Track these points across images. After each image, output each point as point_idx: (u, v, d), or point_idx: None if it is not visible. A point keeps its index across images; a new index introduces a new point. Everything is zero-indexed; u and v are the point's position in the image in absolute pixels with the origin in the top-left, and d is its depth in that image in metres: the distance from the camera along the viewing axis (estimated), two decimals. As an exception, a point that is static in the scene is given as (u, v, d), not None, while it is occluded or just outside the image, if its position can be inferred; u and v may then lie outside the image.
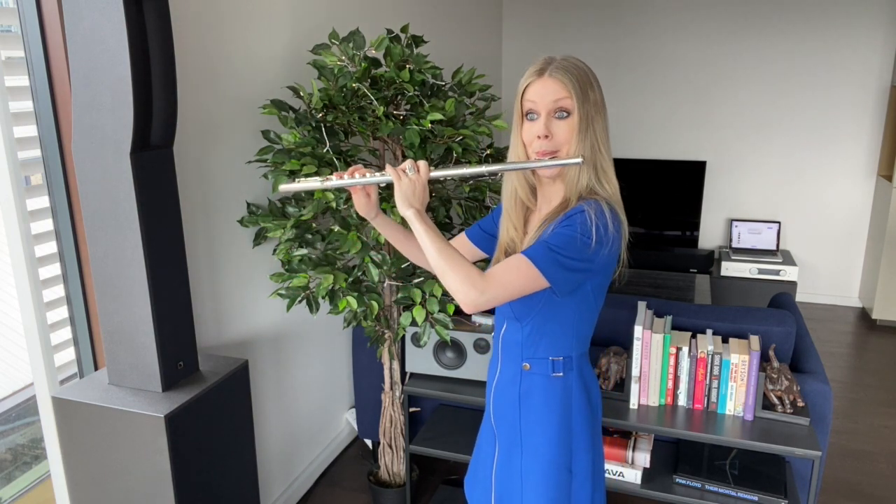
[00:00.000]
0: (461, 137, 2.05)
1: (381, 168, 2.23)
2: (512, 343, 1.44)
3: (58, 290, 1.77)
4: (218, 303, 2.11)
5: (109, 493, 1.62)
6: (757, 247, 4.67)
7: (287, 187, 1.36)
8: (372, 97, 2.01)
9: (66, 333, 1.79)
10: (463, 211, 2.25)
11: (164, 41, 1.47)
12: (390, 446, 2.49)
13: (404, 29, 2.17)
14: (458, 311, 2.35)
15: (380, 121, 2.00)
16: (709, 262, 4.51)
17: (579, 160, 1.26)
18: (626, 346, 2.26)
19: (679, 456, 2.20)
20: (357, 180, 1.32)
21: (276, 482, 2.50)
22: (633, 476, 2.12)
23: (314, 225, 2.09)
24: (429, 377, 2.36)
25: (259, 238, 2.16)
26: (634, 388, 2.12)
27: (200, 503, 1.65)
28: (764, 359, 2.09)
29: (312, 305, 2.05)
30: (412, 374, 2.39)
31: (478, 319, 2.33)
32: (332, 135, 2.04)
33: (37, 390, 1.75)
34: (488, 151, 2.19)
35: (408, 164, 1.29)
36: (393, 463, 2.50)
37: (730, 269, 4.46)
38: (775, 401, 2.04)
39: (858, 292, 4.69)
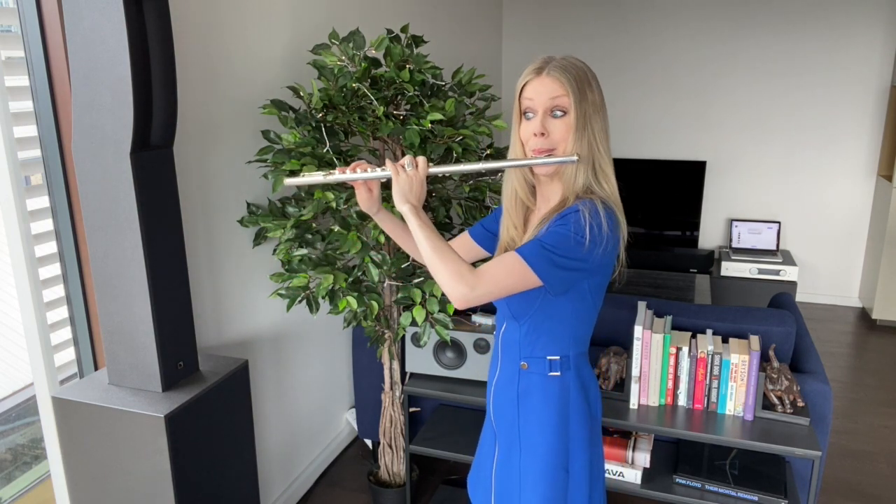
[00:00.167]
0: (461, 137, 2.05)
1: (382, 165, 2.24)
2: (510, 342, 1.44)
3: (58, 290, 1.77)
4: (218, 303, 2.11)
5: (109, 493, 1.62)
6: (757, 247, 4.67)
7: (292, 181, 1.39)
8: (372, 97, 2.01)
9: (66, 333, 1.79)
10: (463, 211, 2.25)
11: (164, 41, 1.47)
12: (390, 446, 2.49)
13: (404, 29, 2.17)
14: (459, 311, 2.35)
15: (380, 121, 2.00)
16: (709, 262, 4.51)
17: (574, 158, 1.27)
18: (626, 346, 2.26)
19: (679, 456, 2.20)
20: (358, 175, 1.34)
21: (276, 482, 2.50)
22: (633, 476, 2.12)
23: (314, 225, 2.10)
24: (429, 377, 2.36)
25: (259, 238, 2.16)
26: (634, 388, 2.12)
27: (200, 503, 1.65)
28: (764, 359, 2.09)
29: (312, 305, 2.05)
30: (412, 374, 2.39)
31: (478, 319, 2.33)
32: (332, 135, 2.04)
33: (37, 390, 1.75)
34: (488, 151, 2.19)
35: (407, 159, 1.30)
36: (393, 463, 2.50)
37: (730, 269, 4.46)
38: (775, 401, 2.04)
39: (858, 292, 4.70)
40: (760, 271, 4.41)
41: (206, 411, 1.65)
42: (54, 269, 1.75)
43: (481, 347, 2.26)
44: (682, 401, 2.13)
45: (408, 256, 2.07)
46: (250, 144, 2.17)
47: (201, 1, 1.93)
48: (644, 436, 2.21)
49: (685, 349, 2.08)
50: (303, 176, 1.37)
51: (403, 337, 2.44)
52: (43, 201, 1.70)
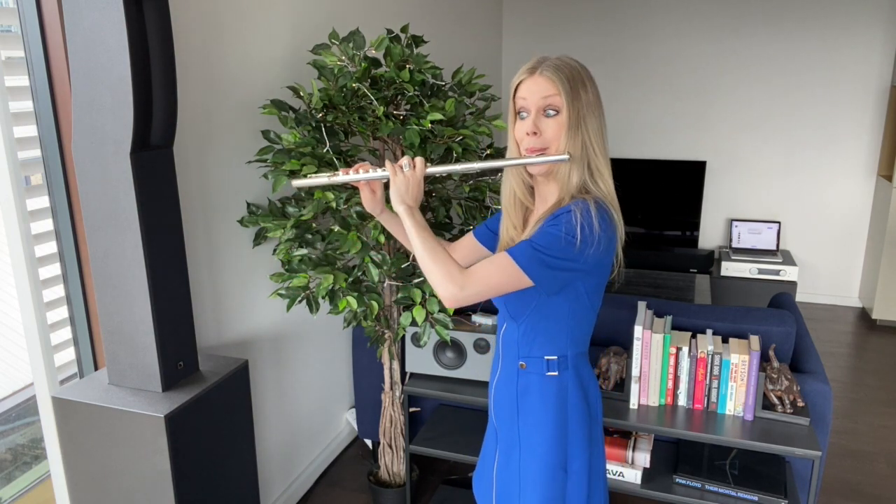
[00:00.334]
0: (461, 137, 2.05)
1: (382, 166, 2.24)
2: (510, 342, 1.45)
3: (58, 290, 1.77)
4: (218, 303, 2.11)
5: (109, 493, 1.62)
6: (757, 247, 4.67)
7: (298, 183, 1.42)
8: (372, 97, 2.01)
9: (66, 333, 1.79)
10: (463, 211, 2.25)
11: (164, 41, 1.47)
12: (390, 446, 2.49)
13: (404, 29, 2.17)
14: (459, 311, 2.35)
15: (380, 121, 2.00)
16: (709, 262, 4.51)
17: (565, 157, 1.27)
18: (626, 346, 2.26)
19: (679, 456, 2.20)
20: (360, 176, 1.37)
21: (276, 482, 2.50)
22: (633, 476, 2.12)
23: (314, 225, 2.10)
24: (429, 377, 2.36)
25: (259, 238, 2.16)
26: (634, 388, 2.12)
27: (200, 503, 1.65)
28: (764, 359, 2.09)
29: (312, 305, 2.05)
30: (412, 374, 2.39)
31: (478, 319, 2.33)
32: (332, 135, 2.04)
33: (37, 390, 1.75)
34: (488, 151, 2.19)
35: (405, 160, 1.32)
36: (393, 463, 2.50)
37: (730, 269, 4.46)
38: (775, 401, 2.04)
39: (858, 292, 4.70)
40: (760, 271, 4.41)
41: (206, 411, 1.65)
42: (54, 269, 1.75)
43: (481, 347, 2.26)
44: (682, 401, 2.13)
45: (408, 256, 2.07)
46: (250, 144, 2.17)
47: (201, 1, 1.93)
48: (644, 436, 2.21)
49: (685, 349, 2.08)
50: (309, 177, 1.41)
51: (403, 337, 2.44)
52: (43, 201, 1.70)
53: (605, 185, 1.33)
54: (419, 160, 1.32)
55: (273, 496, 2.49)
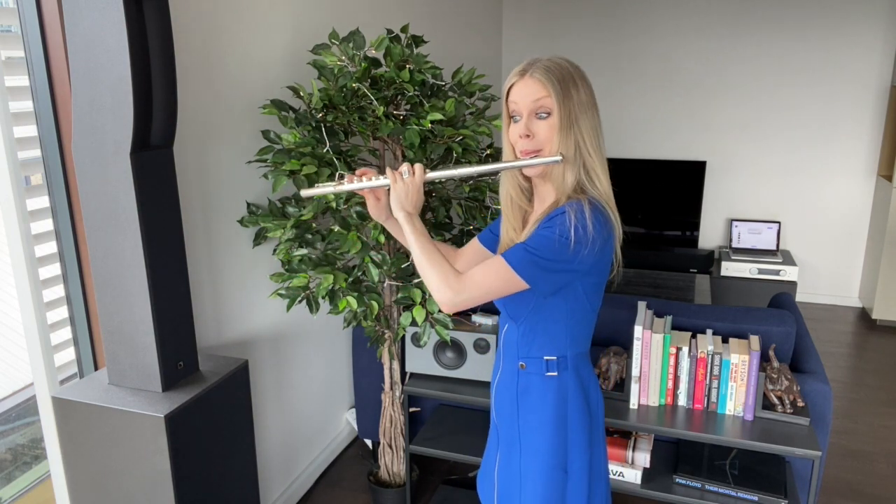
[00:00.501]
0: (461, 137, 2.05)
1: (383, 170, 2.24)
2: (510, 342, 1.45)
3: (58, 290, 1.77)
4: (218, 303, 2.11)
5: (109, 493, 1.62)
6: (757, 247, 4.67)
7: (307, 192, 1.46)
8: (372, 97, 2.01)
9: (66, 333, 1.79)
10: (463, 211, 2.25)
11: (164, 41, 1.47)
12: (390, 446, 2.49)
13: (404, 29, 2.17)
14: (459, 312, 2.35)
15: (380, 121, 2.00)
16: (709, 262, 4.51)
17: (558, 158, 1.27)
18: (626, 346, 2.26)
19: (679, 456, 2.20)
20: (363, 184, 1.39)
21: (276, 482, 2.50)
22: (633, 476, 2.12)
23: (314, 225, 2.10)
24: (429, 377, 2.36)
25: (259, 238, 2.16)
26: (634, 388, 2.12)
27: (200, 503, 1.65)
28: (764, 359, 2.09)
29: (312, 305, 2.05)
30: (412, 374, 2.39)
31: (478, 319, 2.34)
32: (332, 135, 2.04)
33: (37, 390, 1.75)
34: (488, 151, 2.19)
35: (404, 167, 1.34)
36: (393, 463, 2.50)
37: (730, 269, 4.46)
38: (775, 401, 2.04)
39: (858, 292, 4.70)
40: (760, 271, 4.41)
41: (206, 411, 1.65)
42: (54, 269, 1.75)
43: (481, 347, 2.26)
44: (682, 401, 2.13)
45: (408, 256, 2.07)
46: (250, 144, 2.17)
47: (201, 1, 1.93)
48: (644, 436, 2.21)
49: (685, 349, 2.08)
50: (317, 187, 1.45)
51: (403, 337, 2.44)
52: (43, 201, 1.70)
53: (601, 185, 1.32)
54: (418, 167, 1.34)
55: (273, 496, 2.49)
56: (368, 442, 2.95)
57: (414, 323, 2.13)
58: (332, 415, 2.89)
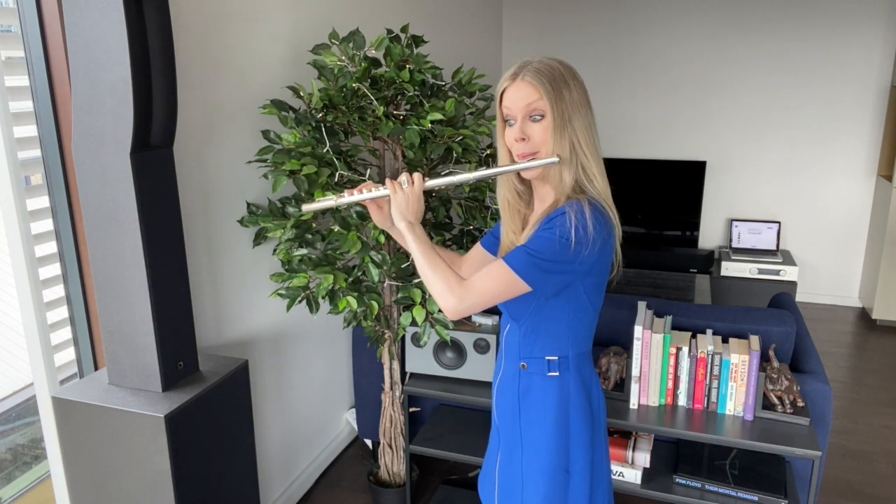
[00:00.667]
0: (461, 137, 2.05)
1: (383, 169, 2.24)
2: (511, 343, 1.45)
3: (58, 290, 1.77)
4: (218, 303, 2.11)
5: (109, 493, 1.62)
6: (757, 247, 4.67)
7: (308, 207, 1.48)
8: (372, 97, 2.01)
9: (66, 333, 1.79)
10: (463, 211, 2.25)
11: (164, 41, 1.47)
12: (390, 446, 2.49)
13: (404, 29, 2.17)
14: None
15: (380, 121, 2.00)
16: (709, 262, 4.51)
17: (555, 160, 1.27)
18: (626, 346, 2.26)
19: (679, 456, 2.20)
20: (364, 196, 1.40)
21: (276, 482, 2.50)
22: (633, 476, 2.12)
23: (314, 225, 2.10)
24: (429, 377, 2.36)
25: (259, 238, 2.16)
26: (634, 388, 2.12)
27: (200, 503, 1.65)
28: (764, 359, 2.09)
29: (312, 305, 2.05)
30: (412, 374, 2.39)
31: (478, 319, 2.34)
32: (332, 135, 2.04)
33: (37, 390, 1.75)
34: (488, 151, 2.19)
35: (404, 176, 1.35)
36: (393, 463, 2.50)
37: (730, 269, 4.46)
38: (775, 401, 2.04)
39: (858, 292, 4.70)
40: (760, 271, 4.41)
41: (206, 411, 1.65)
42: (54, 269, 1.75)
43: (481, 347, 2.26)
44: (682, 401, 2.13)
45: (408, 256, 2.07)
46: (250, 144, 2.17)
47: (202, 1, 1.93)
48: (644, 436, 2.21)
49: (685, 349, 2.08)
50: (318, 201, 1.47)
51: (403, 337, 2.44)
52: (43, 201, 1.70)
53: (598, 184, 1.32)
54: (417, 176, 1.35)
55: (273, 496, 2.49)
56: (368, 442, 2.95)
57: (414, 323, 2.13)
58: (332, 415, 2.89)
